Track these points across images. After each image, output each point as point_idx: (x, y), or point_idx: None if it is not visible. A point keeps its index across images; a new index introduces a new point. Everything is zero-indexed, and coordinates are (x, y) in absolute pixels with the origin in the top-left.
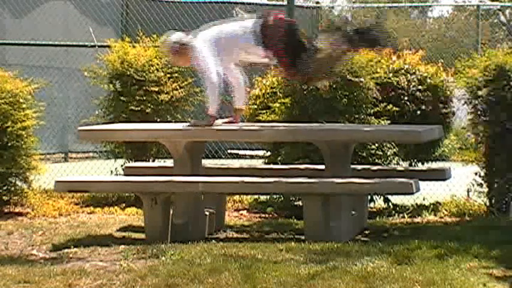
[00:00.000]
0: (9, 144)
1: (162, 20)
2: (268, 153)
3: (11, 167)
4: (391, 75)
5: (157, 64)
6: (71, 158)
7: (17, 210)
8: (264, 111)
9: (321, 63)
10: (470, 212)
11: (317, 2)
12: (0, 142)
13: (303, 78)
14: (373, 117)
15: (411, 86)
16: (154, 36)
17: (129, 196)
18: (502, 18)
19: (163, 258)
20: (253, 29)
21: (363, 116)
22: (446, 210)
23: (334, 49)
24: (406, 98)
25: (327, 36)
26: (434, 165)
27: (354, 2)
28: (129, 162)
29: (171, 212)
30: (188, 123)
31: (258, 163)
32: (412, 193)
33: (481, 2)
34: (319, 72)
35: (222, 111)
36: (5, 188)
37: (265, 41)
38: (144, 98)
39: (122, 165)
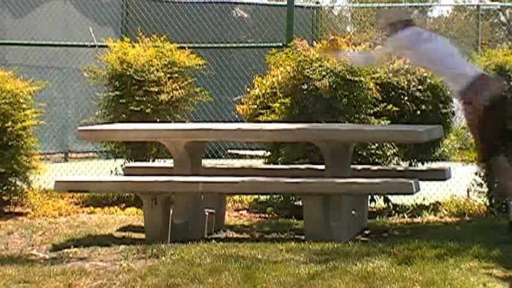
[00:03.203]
0: (9, 144)
1: (162, 20)
2: (268, 153)
3: (11, 167)
4: (391, 75)
5: (157, 64)
6: (71, 158)
7: (17, 210)
8: (264, 111)
9: None
10: (470, 212)
11: (317, 2)
12: (0, 142)
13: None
14: (373, 117)
15: (411, 86)
16: (154, 36)
17: (129, 196)
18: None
19: (163, 258)
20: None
21: (363, 116)
22: (446, 210)
23: None
24: (406, 98)
25: None
26: (434, 165)
27: (353, 2)
28: (129, 162)
29: (171, 212)
30: None
31: (258, 163)
32: (412, 193)
33: (481, 2)
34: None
35: (222, 111)
36: (5, 187)
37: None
38: (144, 98)
39: (121, 165)
